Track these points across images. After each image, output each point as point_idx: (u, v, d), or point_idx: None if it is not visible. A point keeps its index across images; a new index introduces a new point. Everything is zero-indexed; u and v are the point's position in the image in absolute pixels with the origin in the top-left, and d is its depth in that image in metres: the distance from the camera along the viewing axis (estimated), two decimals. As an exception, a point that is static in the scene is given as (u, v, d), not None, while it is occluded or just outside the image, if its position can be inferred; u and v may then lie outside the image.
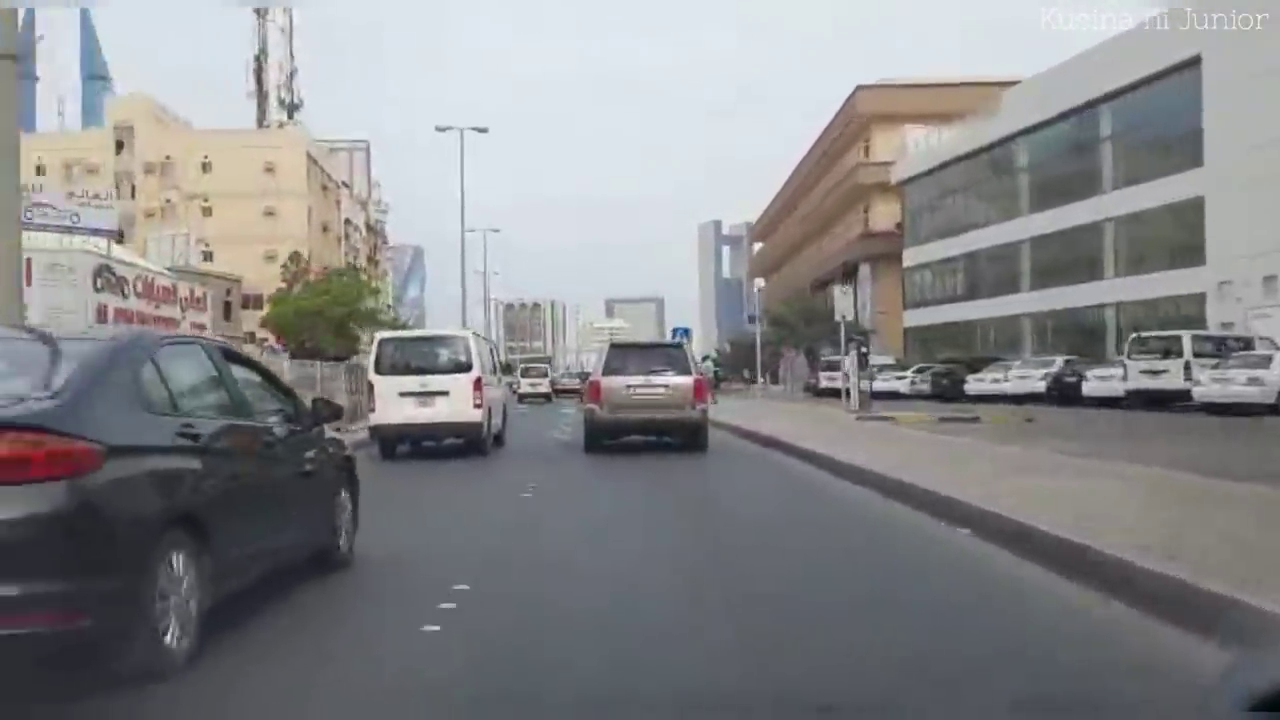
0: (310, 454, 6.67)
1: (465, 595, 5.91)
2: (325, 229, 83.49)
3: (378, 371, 16.86)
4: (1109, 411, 28.77)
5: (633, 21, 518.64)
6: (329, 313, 51.82)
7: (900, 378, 43.96)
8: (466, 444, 16.84)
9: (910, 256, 56.10)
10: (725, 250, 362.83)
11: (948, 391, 40.37)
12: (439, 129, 49.03)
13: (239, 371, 6.19)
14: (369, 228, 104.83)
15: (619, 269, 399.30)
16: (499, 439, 18.60)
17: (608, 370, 17.01)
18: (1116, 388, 30.11)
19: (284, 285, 57.85)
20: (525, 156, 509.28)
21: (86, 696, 4.11)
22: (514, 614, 5.60)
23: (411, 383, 16.42)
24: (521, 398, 38.43)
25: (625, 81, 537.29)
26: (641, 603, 5.96)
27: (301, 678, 4.55)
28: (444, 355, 17.38)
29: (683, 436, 17.14)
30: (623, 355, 17.80)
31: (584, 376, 27.80)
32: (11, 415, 4.12)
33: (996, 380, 37.96)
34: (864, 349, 28.46)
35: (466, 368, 16.87)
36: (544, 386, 49.30)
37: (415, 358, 17.38)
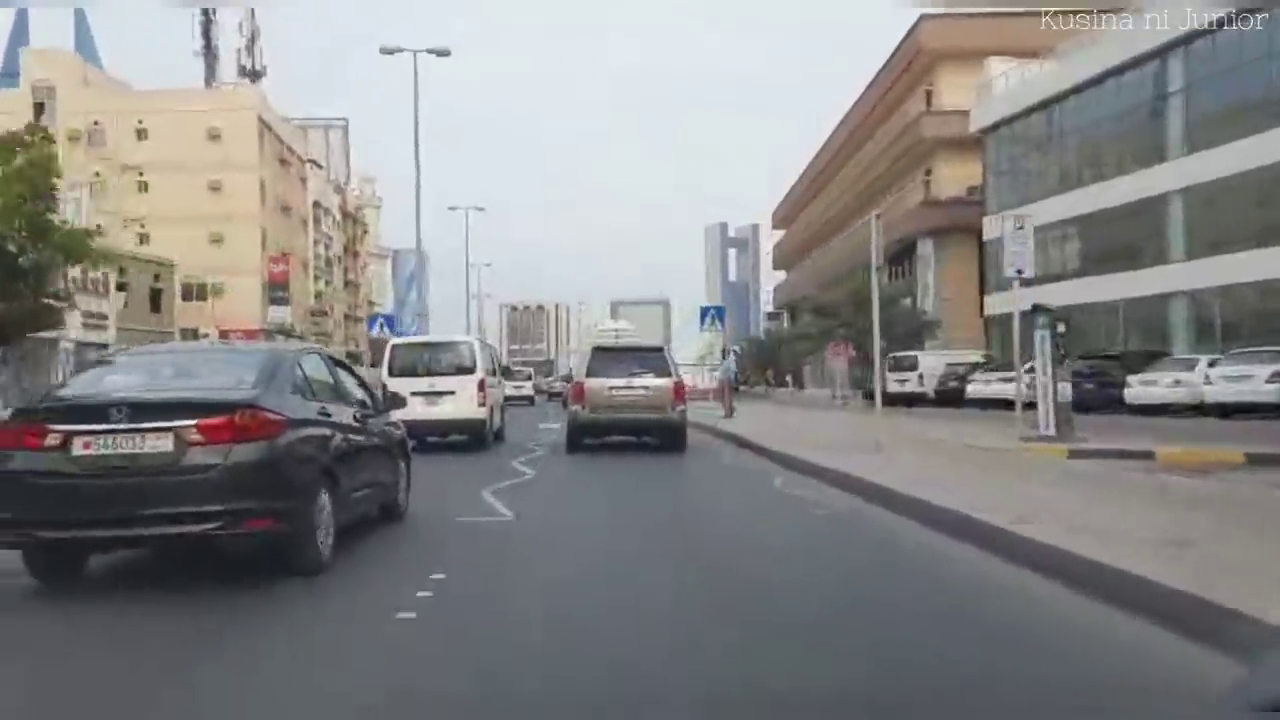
0: (382, 432, 8.81)
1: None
2: (285, 209, 70.54)
3: (390, 373, 17.78)
4: None
5: (637, 21, 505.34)
6: None
7: (1006, 379, 31.24)
8: (470, 439, 17.87)
9: (993, 226, 42.94)
10: (732, 253, 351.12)
11: (1092, 399, 27.57)
12: (385, 51, 36.21)
13: (339, 371, 8.63)
14: (347, 214, 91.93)
15: (624, 271, 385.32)
16: (499, 435, 19.49)
17: (591, 372, 17.34)
18: None
19: None
20: (531, 156, 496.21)
21: (281, 581, 6.31)
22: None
23: (421, 383, 17.29)
24: (505, 400, 33.06)
25: (630, 80, 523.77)
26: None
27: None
28: (451, 358, 18.56)
29: (662, 437, 17.10)
30: (605, 358, 18.00)
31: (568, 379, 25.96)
32: (239, 398, 6.43)
33: (1177, 384, 25.09)
34: (1060, 328, 15.47)
35: (471, 370, 18.13)
36: (527, 389, 48.43)
37: (424, 361, 18.56)
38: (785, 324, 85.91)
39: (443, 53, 36.87)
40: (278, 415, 6.41)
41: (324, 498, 6.76)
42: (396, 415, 9.65)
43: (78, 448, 6.06)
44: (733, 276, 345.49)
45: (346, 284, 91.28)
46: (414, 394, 15.76)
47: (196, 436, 6.07)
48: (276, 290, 64.32)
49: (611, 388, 16.83)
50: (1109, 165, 36.50)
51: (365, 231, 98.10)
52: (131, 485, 6.03)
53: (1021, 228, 16.60)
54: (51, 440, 6.09)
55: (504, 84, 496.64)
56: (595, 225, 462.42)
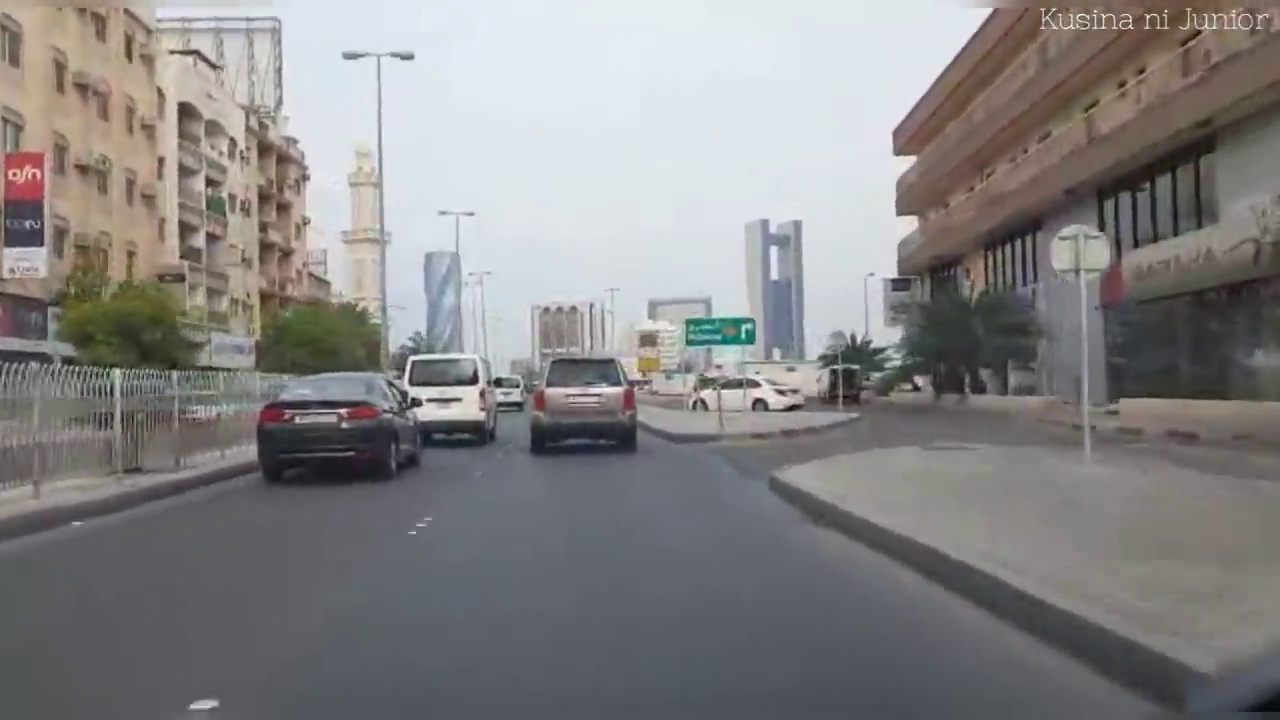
0: (408, 418, 16.31)
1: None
2: (84, 90, 38.16)
3: (410, 383, 20.56)
4: None
5: (672, 21, 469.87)
6: None
7: None
8: (472, 436, 21.65)
9: None
10: (774, 250, 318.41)
11: None
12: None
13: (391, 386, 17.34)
14: (270, 149, 59.78)
15: (661, 271, 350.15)
16: (492, 434, 22.72)
17: (550, 383, 18.88)
18: None
19: None
20: (563, 156, 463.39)
21: (378, 480, 13.71)
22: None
23: (434, 391, 20.47)
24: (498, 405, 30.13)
25: (666, 80, 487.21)
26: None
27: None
28: (458, 372, 22.40)
29: (615, 438, 18.38)
30: (563, 369, 19.87)
31: None
32: (360, 399, 14.57)
33: None
34: None
35: (474, 381, 21.98)
36: (515, 395, 44.53)
37: (437, 373, 22.21)
38: (922, 286, 52.71)
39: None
40: (376, 407, 14.44)
41: (393, 446, 14.50)
42: (419, 415, 17.40)
43: (296, 420, 14.09)
44: (775, 275, 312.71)
45: (266, 250, 58.90)
46: (429, 400, 19.60)
47: (345, 415, 13.98)
48: (21, 218, 31.85)
49: (569, 395, 18.43)
50: None
51: (304, 179, 65.63)
52: (318, 435, 13.92)
53: None
54: (286, 416, 14.19)
55: (532, 84, 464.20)
56: (630, 225, 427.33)
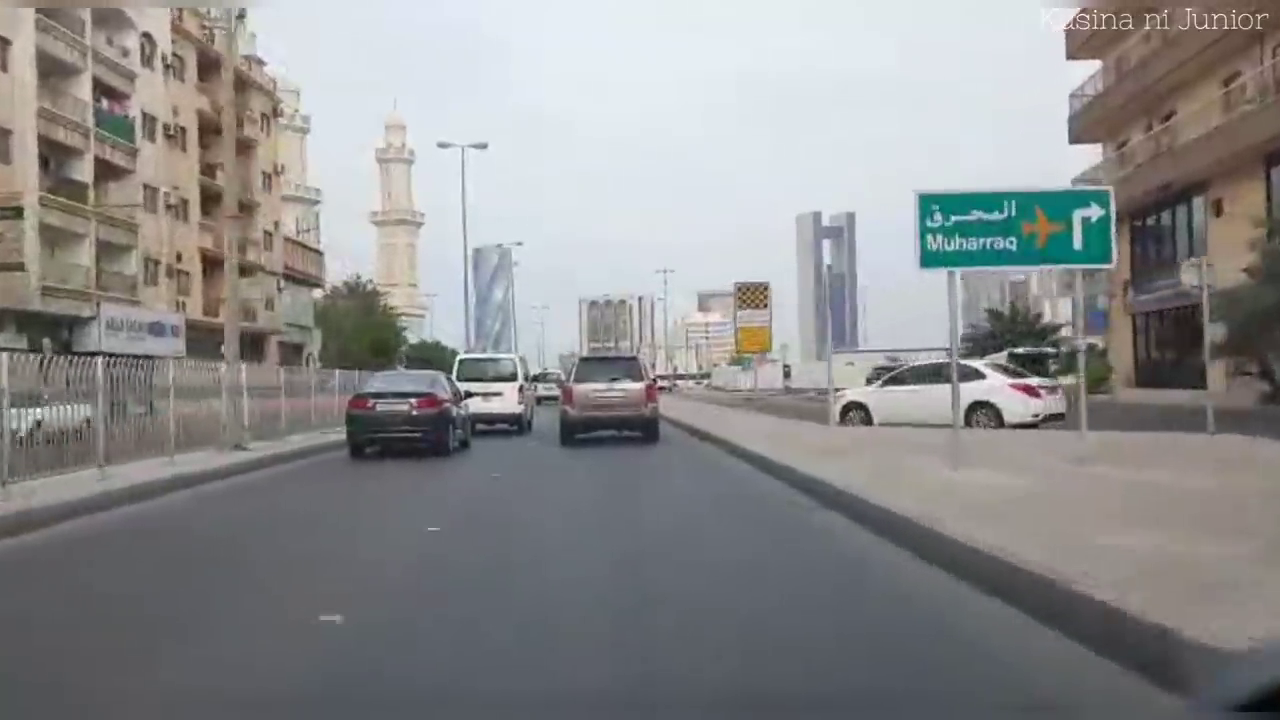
0: (462, 408, 18.50)
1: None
2: None
3: (458, 379, 21.41)
4: None
5: (716, 16, 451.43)
6: None
7: None
8: (512, 427, 23.20)
9: None
10: (826, 244, 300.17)
11: None
12: None
13: (450, 380, 19.97)
14: (217, 63, 43.57)
15: (710, 264, 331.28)
16: (529, 424, 23.89)
17: (578, 379, 19.55)
18: None
19: None
20: (608, 151, 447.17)
21: (439, 456, 16.48)
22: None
23: (479, 386, 21.84)
24: (540, 399, 32.04)
25: (714, 75, 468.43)
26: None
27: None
28: (499, 369, 24.19)
29: (639, 430, 18.83)
30: (590, 367, 20.55)
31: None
32: (427, 391, 17.42)
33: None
34: None
35: (514, 378, 23.60)
36: (556, 390, 41.28)
37: (481, 370, 23.80)
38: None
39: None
40: (439, 397, 17.01)
41: (451, 429, 17.04)
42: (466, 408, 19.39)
43: (378, 407, 16.78)
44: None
45: (214, 200, 42.88)
46: (474, 394, 21.03)
47: (415, 404, 16.66)
48: None
49: (595, 391, 18.84)
50: None
51: (275, 114, 49.53)
52: (395, 420, 16.52)
53: None
54: (370, 405, 16.93)
55: (574, 82, 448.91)
56: (679, 219, 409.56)
